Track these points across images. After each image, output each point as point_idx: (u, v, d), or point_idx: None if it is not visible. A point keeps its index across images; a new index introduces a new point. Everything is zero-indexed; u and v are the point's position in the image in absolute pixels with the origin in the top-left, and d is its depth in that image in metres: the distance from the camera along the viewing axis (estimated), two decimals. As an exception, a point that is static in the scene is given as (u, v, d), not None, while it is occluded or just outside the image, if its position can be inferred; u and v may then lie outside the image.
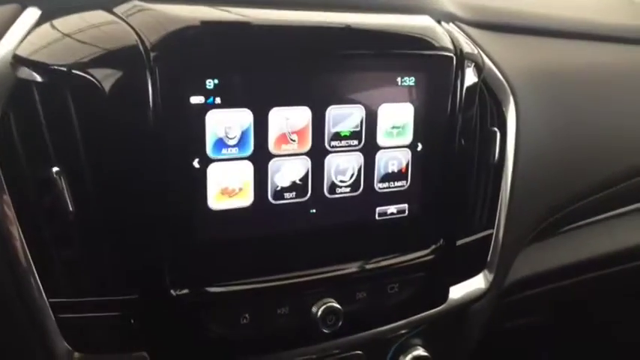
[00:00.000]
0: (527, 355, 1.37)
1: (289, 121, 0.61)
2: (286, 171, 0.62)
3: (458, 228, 0.77)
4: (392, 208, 0.69)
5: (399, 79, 0.66)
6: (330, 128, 0.63)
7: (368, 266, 0.69)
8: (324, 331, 0.66)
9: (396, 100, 0.66)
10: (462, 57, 0.69)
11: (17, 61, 0.55)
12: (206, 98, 0.57)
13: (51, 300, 0.57)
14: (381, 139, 0.66)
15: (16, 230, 0.56)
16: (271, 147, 0.61)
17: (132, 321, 0.59)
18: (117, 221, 0.58)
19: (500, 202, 0.81)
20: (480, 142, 0.77)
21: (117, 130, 0.56)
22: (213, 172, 0.59)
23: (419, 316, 0.75)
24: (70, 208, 0.56)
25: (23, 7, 0.60)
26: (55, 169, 0.55)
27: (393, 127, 0.67)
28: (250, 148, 0.60)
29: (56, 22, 0.58)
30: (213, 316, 0.62)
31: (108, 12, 0.58)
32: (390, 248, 0.71)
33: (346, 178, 0.66)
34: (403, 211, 0.70)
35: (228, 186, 0.60)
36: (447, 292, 0.77)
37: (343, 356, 0.72)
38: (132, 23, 0.56)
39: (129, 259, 0.59)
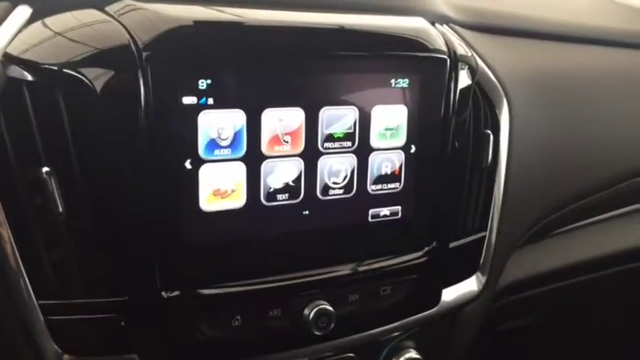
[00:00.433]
0: (521, 357, 1.37)
1: (282, 122, 0.61)
2: (279, 172, 0.62)
3: (451, 230, 0.77)
4: (385, 211, 0.69)
5: (392, 80, 0.66)
6: (323, 130, 0.63)
7: (360, 268, 0.69)
8: (316, 333, 0.66)
9: (389, 101, 0.66)
10: (455, 59, 0.69)
11: (8, 59, 0.55)
12: (198, 99, 0.56)
13: (40, 302, 0.57)
14: (374, 141, 0.66)
15: (5, 231, 0.55)
16: (264, 148, 0.61)
17: (122, 323, 0.59)
18: (107, 222, 0.57)
19: (493, 204, 0.81)
20: (473, 145, 0.77)
21: (108, 131, 0.55)
22: (205, 173, 0.58)
23: (411, 318, 0.75)
24: (60, 209, 0.56)
25: (14, 5, 0.59)
26: (45, 169, 0.55)
27: (387, 129, 0.66)
28: (243, 149, 0.60)
29: (47, 20, 0.58)
30: (205, 318, 0.62)
31: (100, 11, 0.58)
32: (383, 250, 0.70)
33: (339, 179, 0.65)
34: (396, 214, 0.70)
35: (220, 187, 0.59)
36: (440, 294, 0.77)
37: (335, 358, 0.72)
38: (124, 22, 0.56)
39: (119, 261, 0.58)
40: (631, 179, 1.05)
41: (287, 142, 0.62)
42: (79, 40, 0.56)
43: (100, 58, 0.55)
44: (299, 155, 0.63)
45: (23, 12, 0.59)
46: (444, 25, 0.80)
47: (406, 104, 0.67)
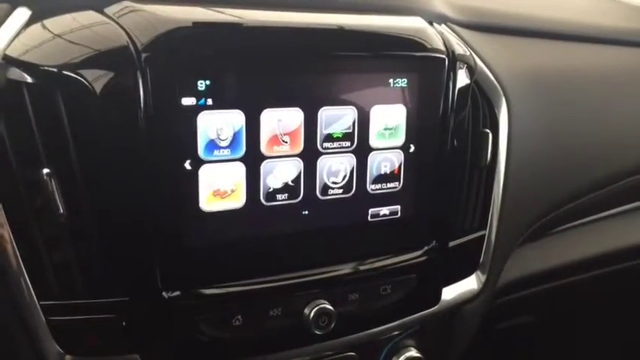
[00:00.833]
0: (520, 355, 1.37)
1: (281, 122, 0.61)
2: (278, 172, 0.62)
3: (450, 229, 0.77)
4: (384, 210, 0.69)
5: (391, 80, 0.66)
6: (322, 130, 0.63)
7: (360, 268, 0.69)
8: (317, 332, 0.66)
9: (388, 101, 0.66)
10: (454, 58, 0.69)
11: (7, 61, 0.55)
12: (197, 99, 0.56)
13: (42, 302, 0.57)
14: (373, 141, 0.66)
15: (6, 232, 0.55)
16: (263, 148, 0.61)
17: (124, 323, 0.59)
18: (108, 223, 0.58)
19: (493, 203, 0.81)
20: (472, 144, 0.78)
21: (108, 132, 0.55)
22: (204, 173, 0.59)
23: (411, 317, 0.75)
24: (61, 210, 0.56)
25: (13, 7, 0.59)
26: (46, 170, 0.55)
27: (386, 129, 0.67)
28: (242, 150, 0.60)
29: (47, 22, 0.58)
30: (206, 318, 0.62)
31: (99, 12, 0.58)
32: (383, 250, 0.71)
33: (338, 179, 0.66)
34: (396, 213, 0.70)
35: (220, 188, 0.60)
36: (440, 293, 0.77)
37: (336, 358, 0.72)
38: (123, 24, 0.56)
39: (120, 261, 0.59)
40: (630, 177, 1.06)
41: (286, 142, 0.62)
42: (78, 41, 0.56)
43: (99, 59, 0.55)
44: (298, 155, 0.63)
45: (22, 14, 0.59)
46: (442, 25, 0.80)
47: (405, 104, 0.67)
